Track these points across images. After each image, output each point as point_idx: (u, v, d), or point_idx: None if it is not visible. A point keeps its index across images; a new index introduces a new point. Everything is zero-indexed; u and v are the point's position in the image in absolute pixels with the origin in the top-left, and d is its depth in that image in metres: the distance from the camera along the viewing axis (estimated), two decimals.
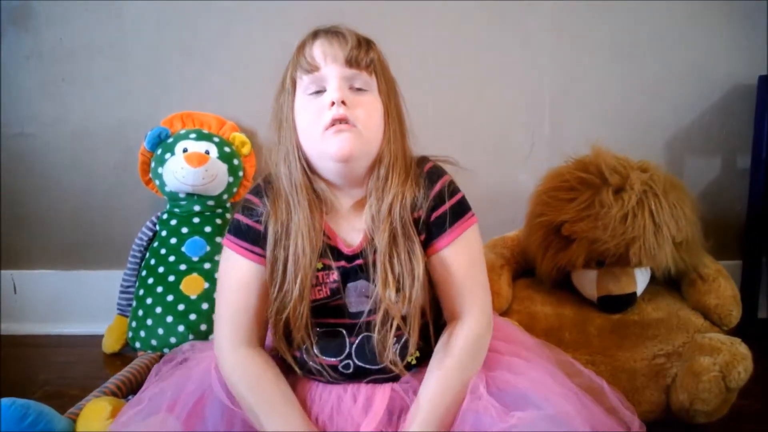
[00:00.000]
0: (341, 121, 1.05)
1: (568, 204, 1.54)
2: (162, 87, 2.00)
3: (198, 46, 1.97)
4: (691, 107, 2.00)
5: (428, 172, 1.14)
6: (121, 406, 1.32)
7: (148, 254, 1.88)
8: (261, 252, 1.11)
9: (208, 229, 1.86)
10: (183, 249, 1.83)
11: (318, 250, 1.08)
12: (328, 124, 1.05)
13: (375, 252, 1.09)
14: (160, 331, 1.74)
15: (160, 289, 1.78)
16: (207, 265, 1.81)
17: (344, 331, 1.12)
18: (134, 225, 1.94)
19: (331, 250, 1.11)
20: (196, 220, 1.86)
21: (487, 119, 2.02)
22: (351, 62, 1.08)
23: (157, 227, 1.90)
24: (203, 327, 1.73)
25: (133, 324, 1.81)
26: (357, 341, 1.11)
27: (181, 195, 1.87)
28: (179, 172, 1.82)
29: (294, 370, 1.14)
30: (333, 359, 1.11)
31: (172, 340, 1.73)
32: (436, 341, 1.12)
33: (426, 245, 1.11)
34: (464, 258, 1.12)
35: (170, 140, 1.88)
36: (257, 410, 1.04)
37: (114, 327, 1.89)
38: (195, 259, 1.82)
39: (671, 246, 1.51)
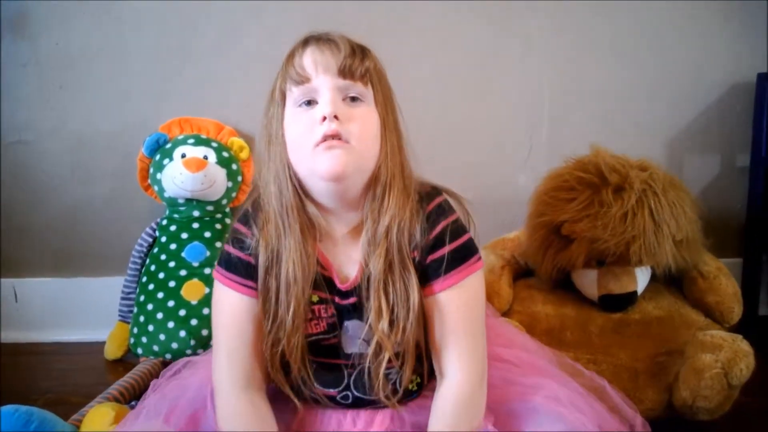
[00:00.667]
0: (333, 137, 0.96)
1: (568, 204, 1.54)
2: (160, 93, 1.99)
3: (196, 51, 1.97)
4: (689, 106, 2.00)
5: (432, 209, 1.05)
6: (124, 411, 1.32)
7: (148, 260, 1.88)
8: (253, 285, 1.04)
9: (207, 234, 1.86)
10: (183, 254, 1.83)
11: (311, 278, 1.02)
12: (319, 140, 0.96)
13: (369, 286, 1.02)
14: (162, 336, 1.74)
15: (160, 295, 1.78)
16: (207, 271, 1.81)
17: (341, 364, 1.08)
18: (134, 231, 1.94)
19: (326, 281, 1.04)
20: (195, 225, 1.86)
21: (486, 120, 2.02)
22: (344, 72, 0.99)
23: (157, 233, 1.90)
24: (204, 332, 1.73)
25: (135, 330, 1.81)
26: (355, 373, 1.07)
27: (180, 200, 1.87)
28: (178, 177, 1.82)
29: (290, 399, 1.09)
30: (331, 390, 1.09)
31: (174, 345, 1.73)
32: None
33: (421, 285, 1.03)
34: (460, 307, 1.04)
35: (168, 146, 1.88)
36: None
37: (115, 333, 1.89)
38: (195, 264, 1.82)
39: (671, 244, 1.51)
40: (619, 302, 1.57)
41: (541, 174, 1.69)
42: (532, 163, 2.01)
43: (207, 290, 1.78)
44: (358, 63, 1.00)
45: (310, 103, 1.00)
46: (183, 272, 1.80)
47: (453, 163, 1.94)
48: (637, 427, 1.15)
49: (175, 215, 1.88)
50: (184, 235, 1.85)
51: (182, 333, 1.73)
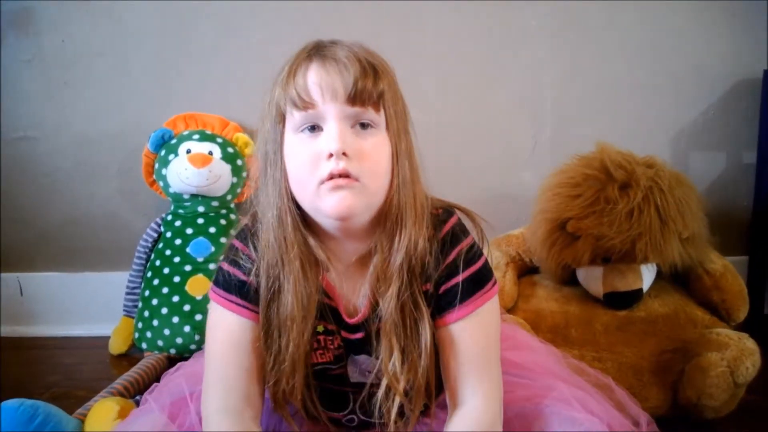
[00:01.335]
0: (341, 175, 0.87)
1: (574, 201, 1.54)
2: (165, 88, 1.99)
3: (200, 47, 1.97)
4: (696, 102, 1.99)
5: (445, 236, 0.98)
6: (128, 406, 1.33)
7: (153, 255, 1.88)
8: (253, 308, 0.97)
9: (212, 229, 1.86)
10: (188, 250, 1.83)
11: (311, 316, 0.95)
12: (325, 178, 0.87)
13: (379, 321, 0.96)
14: (167, 331, 1.74)
15: (165, 290, 1.78)
16: (212, 266, 1.81)
17: (348, 391, 1.06)
18: (139, 226, 1.94)
19: (332, 312, 0.99)
20: (200, 221, 1.86)
21: (490, 118, 2.02)
22: (354, 99, 0.88)
23: (162, 228, 1.90)
24: None
25: (140, 325, 1.81)
26: (360, 397, 1.03)
27: (185, 196, 1.87)
28: (183, 173, 1.82)
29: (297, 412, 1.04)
30: (336, 414, 1.07)
31: (179, 340, 1.73)
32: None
33: (434, 316, 0.98)
34: (475, 337, 0.98)
35: (174, 141, 1.88)
36: None
37: (120, 328, 1.89)
38: (200, 259, 1.82)
39: (677, 242, 1.51)
40: (624, 300, 1.56)
41: (546, 170, 1.68)
42: (537, 159, 2.00)
43: None
44: (370, 86, 0.89)
45: (313, 128, 0.90)
46: (188, 267, 1.81)
47: (457, 160, 1.94)
48: (642, 425, 1.15)
49: (180, 210, 1.88)
50: (189, 231, 1.85)
51: (187, 328, 1.73)
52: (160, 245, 1.87)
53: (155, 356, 1.72)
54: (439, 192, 1.04)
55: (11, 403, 1.23)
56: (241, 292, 0.98)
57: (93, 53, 1.97)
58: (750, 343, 1.35)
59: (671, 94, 1.99)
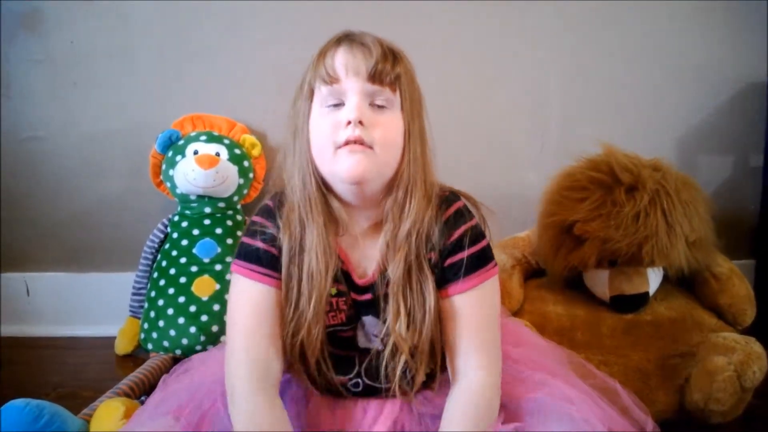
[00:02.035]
0: (356, 141, 0.98)
1: (580, 203, 1.54)
2: (172, 90, 2.00)
3: (208, 48, 1.98)
4: (702, 106, 1.99)
5: (452, 214, 1.07)
6: (134, 406, 1.33)
7: (159, 256, 1.88)
8: (275, 274, 1.05)
9: (219, 230, 1.86)
10: (194, 251, 1.83)
11: (333, 271, 1.03)
12: (342, 143, 0.98)
13: (387, 285, 1.04)
14: (172, 332, 1.74)
15: (171, 291, 1.79)
16: (218, 267, 1.81)
17: (355, 356, 1.11)
18: (145, 227, 1.94)
19: (344, 275, 1.07)
20: (207, 221, 1.87)
21: (496, 120, 2.02)
22: (374, 77, 1.00)
23: (169, 229, 1.90)
24: (215, 328, 1.74)
25: (145, 326, 1.81)
26: (366, 361, 1.10)
27: (192, 197, 1.87)
28: (190, 174, 1.82)
29: (305, 386, 1.12)
30: (342, 377, 1.11)
31: (184, 341, 1.73)
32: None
33: (438, 287, 1.06)
34: (476, 311, 1.06)
35: (181, 142, 1.88)
36: None
37: (126, 329, 1.90)
38: (206, 260, 1.82)
39: (684, 245, 1.50)
40: (630, 303, 1.56)
41: (552, 173, 1.68)
42: (543, 161, 2.00)
43: (217, 286, 1.78)
44: (388, 69, 1.01)
45: (337, 105, 1.01)
46: (194, 268, 1.81)
47: (463, 161, 1.93)
48: (648, 429, 1.14)
49: (187, 211, 1.89)
50: (196, 232, 1.85)
51: (192, 329, 1.74)
52: (167, 246, 1.87)
53: (161, 357, 1.72)
54: None
55: (17, 402, 1.23)
56: (260, 260, 1.05)
57: (101, 53, 1.98)
58: (757, 347, 1.34)
59: (678, 97, 1.99)
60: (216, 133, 1.91)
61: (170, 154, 1.87)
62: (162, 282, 1.81)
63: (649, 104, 2.00)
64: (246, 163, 1.91)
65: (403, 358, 1.03)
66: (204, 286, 1.78)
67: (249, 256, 1.06)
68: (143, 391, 1.54)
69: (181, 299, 1.77)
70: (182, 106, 1.97)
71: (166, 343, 1.75)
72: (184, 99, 1.99)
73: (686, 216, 1.50)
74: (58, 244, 2.08)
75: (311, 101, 1.04)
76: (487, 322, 1.06)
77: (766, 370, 1.32)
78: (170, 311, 1.76)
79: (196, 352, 1.70)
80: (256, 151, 1.93)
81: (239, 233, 1.88)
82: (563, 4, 1.94)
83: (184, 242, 1.84)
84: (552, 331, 1.54)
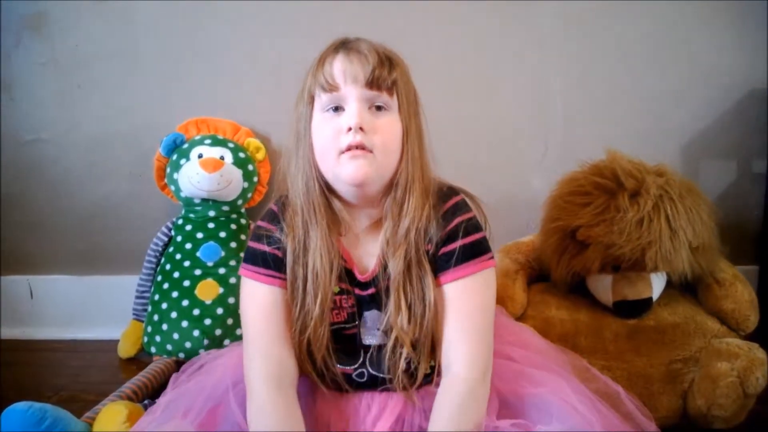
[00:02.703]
0: (358, 147, 1.02)
1: (584, 208, 1.53)
2: (177, 93, 2.00)
3: (212, 52, 1.98)
4: (706, 111, 1.99)
5: (449, 208, 1.10)
6: (137, 410, 1.33)
7: (163, 259, 1.89)
8: (281, 276, 1.09)
9: (223, 234, 1.86)
10: (198, 254, 1.83)
11: (336, 270, 1.07)
12: (343, 149, 1.02)
13: (388, 279, 1.08)
14: (176, 335, 1.75)
15: (175, 294, 1.79)
16: (222, 270, 1.81)
17: (360, 351, 1.14)
18: (150, 230, 1.94)
19: (347, 273, 1.10)
20: (211, 225, 1.87)
21: (500, 123, 2.02)
22: (371, 84, 1.04)
23: (173, 232, 1.90)
24: (218, 332, 1.74)
25: (149, 329, 1.81)
26: (370, 353, 1.13)
27: (196, 200, 1.88)
28: (194, 177, 1.83)
29: (311, 382, 1.13)
30: (347, 368, 1.13)
31: (188, 344, 1.74)
32: None
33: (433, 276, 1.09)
34: (466, 301, 1.08)
35: (185, 146, 1.88)
36: None
37: (129, 332, 1.90)
38: (210, 264, 1.82)
39: (687, 251, 1.50)
40: (634, 308, 1.55)
41: (556, 178, 1.68)
42: (547, 166, 2.00)
43: (221, 290, 1.78)
44: (385, 74, 1.04)
45: (337, 109, 1.05)
46: (198, 272, 1.81)
47: (467, 166, 1.92)
48: None
49: (191, 215, 1.89)
50: (200, 235, 1.86)
51: (196, 332, 1.74)
52: (171, 249, 1.88)
53: (164, 360, 1.73)
54: None
55: (20, 406, 1.24)
56: (267, 263, 1.09)
57: (105, 56, 1.99)
58: (760, 353, 1.34)
59: (682, 103, 1.99)
60: (220, 137, 1.92)
61: (175, 157, 1.88)
62: (166, 285, 1.81)
63: (653, 110, 1.99)
64: (250, 167, 1.91)
65: (404, 352, 1.06)
66: (208, 290, 1.78)
67: (256, 259, 1.10)
68: (146, 394, 1.54)
69: (185, 302, 1.77)
70: (187, 109, 1.97)
71: (169, 347, 1.76)
72: (189, 102, 2.00)
73: (690, 221, 1.49)
74: (61, 247, 2.08)
75: (312, 107, 1.08)
76: (477, 314, 1.08)
77: None
78: (174, 314, 1.76)
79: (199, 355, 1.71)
80: (260, 155, 1.94)
81: (243, 237, 1.88)
82: (567, 8, 1.94)
83: (188, 246, 1.85)
84: (555, 336, 1.53)
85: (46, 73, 2.00)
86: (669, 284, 1.61)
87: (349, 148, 1.02)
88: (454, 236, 1.07)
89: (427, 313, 1.06)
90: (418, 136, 1.10)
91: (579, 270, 1.57)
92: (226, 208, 1.89)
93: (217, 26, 1.97)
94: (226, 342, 1.71)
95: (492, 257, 1.10)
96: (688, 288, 1.64)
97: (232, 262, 1.82)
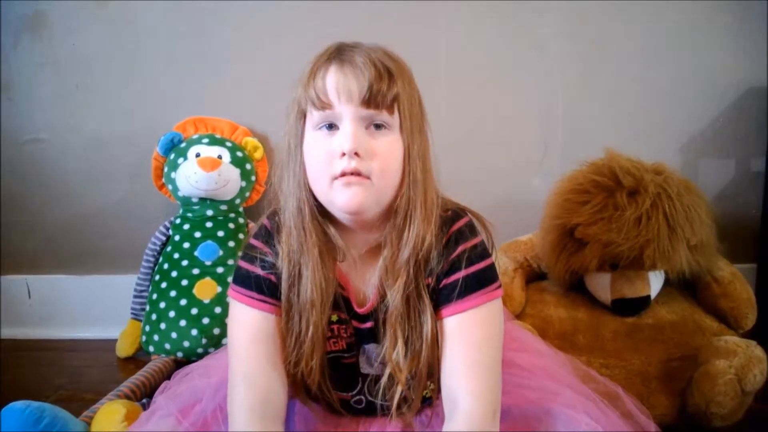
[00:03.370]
0: (353, 173, 0.92)
1: (582, 207, 1.54)
2: (175, 92, 2.00)
3: (210, 52, 1.98)
4: (705, 109, 1.99)
5: (452, 234, 1.01)
6: (135, 409, 1.33)
7: (161, 259, 1.88)
8: (274, 302, 1.02)
9: (221, 233, 1.86)
10: (196, 253, 1.83)
11: (329, 302, 1.00)
12: (337, 175, 0.93)
13: (386, 311, 1.00)
14: (174, 335, 1.74)
15: (173, 294, 1.79)
16: (220, 270, 1.81)
17: (358, 379, 1.09)
18: (147, 230, 1.94)
19: (344, 301, 1.03)
20: (209, 224, 1.87)
21: (501, 123, 2.02)
22: (368, 102, 0.93)
23: (171, 232, 1.90)
24: (216, 331, 1.74)
25: (147, 328, 1.81)
26: (368, 381, 1.08)
27: (194, 200, 1.87)
28: (192, 176, 1.83)
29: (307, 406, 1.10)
30: (345, 394, 1.09)
31: (186, 344, 1.73)
32: None
33: (435, 308, 1.01)
34: (471, 335, 0.99)
35: (183, 145, 1.88)
36: None
37: (128, 331, 1.90)
38: (208, 263, 1.82)
39: (686, 249, 1.50)
40: (632, 306, 1.56)
41: (556, 177, 1.68)
42: (547, 166, 2.00)
43: (219, 289, 1.78)
44: (384, 90, 0.93)
45: (331, 126, 0.96)
46: (196, 271, 1.81)
47: (467, 166, 1.93)
48: None
49: (189, 214, 1.89)
50: (198, 234, 1.85)
51: (194, 332, 1.74)
52: (169, 248, 1.88)
53: (162, 360, 1.73)
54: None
55: (18, 405, 1.23)
56: (259, 287, 1.02)
57: (104, 57, 1.99)
58: (758, 351, 1.34)
59: (681, 102, 1.99)
60: (218, 136, 1.92)
61: (172, 156, 1.87)
62: (164, 284, 1.81)
63: (652, 109, 1.99)
64: (248, 166, 1.91)
65: (399, 388, 1.00)
66: (206, 289, 1.78)
67: (247, 282, 1.03)
68: (144, 393, 1.54)
69: (183, 302, 1.77)
70: (185, 109, 1.97)
71: (167, 346, 1.75)
72: (187, 102, 1.99)
73: (688, 219, 1.50)
74: (59, 247, 2.08)
75: (303, 122, 0.99)
76: (481, 347, 0.99)
77: (767, 374, 1.32)
78: (172, 314, 1.76)
79: (198, 354, 1.71)
80: (258, 154, 1.93)
81: (241, 236, 1.88)
82: (568, 10, 1.94)
83: (186, 245, 1.84)
84: (553, 335, 1.54)
85: (45, 73, 2.00)
86: (667, 282, 1.62)
87: (343, 174, 0.93)
88: (457, 266, 0.99)
89: (424, 348, 0.98)
90: (422, 156, 0.99)
91: (577, 268, 1.58)
92: (224, 207, 1.89)
93: (216, 26, 1.97)
94: (224, 341, 1.71)
95: (499, 286, 1.02)
96: (686, 286, 1.64)
97: (230, 261, 1.82)
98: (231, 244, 1.85)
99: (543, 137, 2.02)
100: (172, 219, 1.92)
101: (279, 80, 1.14)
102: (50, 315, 2.07)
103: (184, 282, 1.79)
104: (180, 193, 1.87)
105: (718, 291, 1.59)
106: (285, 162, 1.02)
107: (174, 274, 1.82)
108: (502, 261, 1.73)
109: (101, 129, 2.02)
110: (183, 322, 1.75)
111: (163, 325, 1.76)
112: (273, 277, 1.02)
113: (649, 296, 1.56)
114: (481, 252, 1.02)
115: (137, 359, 1.86)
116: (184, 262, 1.82)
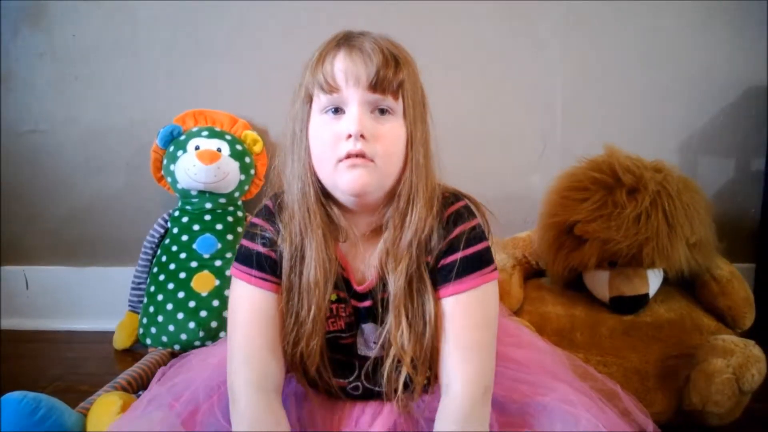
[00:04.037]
0: (358, 155, 0.95)
1: (581, 204, 1.54)
2: (174, 85, 2.00)
3: (210, 44, 1.98)
4: (704, 108, 1.99)
5: (450, 215, 1.04)
6: (131, 401, 1.32)
7: (159, 251, 1.88)
8: (275, 279, 1.03)
9: (219, 226, 1.86)
10: (194, 246, 1.83)
11: (332, 282, 1.01)
12: (342, 157, 0.95)
13: (385, 292, 1.02)
14: (171, 327, 1.74)
15: (171, 286, 1.78)
16: (218, 263, 1.81)
17: (355, 362, 1.09)
18: (146, 222, 1.94)
19: (344, 281, 1.05)
20: (207, 217, 1.86)
21: (500, 120, 2.01)
22: (375, 87, 0.96)
23: (169, 224, 1.90)
24: (214, 324, 1.74)
25: (144, 320, 1.81)
26: (365, 366, 1.08)
27: (193, 192, 1.87)
28: (191, 169, 1.82)
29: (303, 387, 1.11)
30: (342, 380, 1.09)
31: (183, 336, 1.73)
32: None
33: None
34: (467, 316, 1.01)
35: (182, 138, 1.88)
36: None
37: (125, 323, 1.90)
38: (206, 256, 1.82)
39: (684, 247, 1.50)
40: (630, 304, 1.56)
41: (555, 174, 1.68)
42: (546, 162, 2.00)
43: (217, 282, 1.78)
44: (390, 76, 0.96)
45: (337, 110, 0.98)
46: (194, 264, 1.81)
47: (466, 162, 1.91)
48: (648, 431, 1.14)
49: (188, 207, 1.88)
50: (196, 227, 1.85)
51: (191, 324, 1.73)
52: (167, 241, 1.87)
53: (159, 352, 1.72)
54: None
55: (14, 395, 1.23)
56: (260, 265, 1.03)
57: (103, 48, 1.98)
58: (756, 351, 1.34)
59: (681, 100, 1.99)
60: (218, 129, 1.91)
61: (171, 149, 1.87)
62: (161, 277, 1.81)
63: (652, 107, 1.99)
64: (247, 160, 1.91)
65: (404, 371, 1.01)
66: (203, 282, 1.78)
67: (248, 260, 1.04)
68: (141, 385, 1.54)
69: (181, 294, 1.77)
70: (184, 101, 1.97)
71: (164, 338, 1.75)
72: (186, 94, 1.99)
73: (687, 218, 1.50)
74: (58, 238, 2.08)
75: (310, 106, 1.01)
76: (478, 330, 1.02)
77: (765, 373, 1.31)
78: (169, 306, 1.76)
79: (195, 347, 1.70)
80: (257, 148, 1.93)
81: (240, 229, 1.88)
82: (568, 5, 1.94)
83: (185, 238, 1.84)
84: (551, 332, 1.54)
85: (44, 64, 2.00)
86: (666, 281, 1.61)
87: (348, 156, 0.95)
88: (455, 247, 1.01)
89: (428, 330, 1.00)
90: (424, 143, 1.02)
91: (576, 265, 1.58)
92: (222, 200, 1.89)
93: (216, 19, 1.96)
94: (222, 334, 1.71)
95: (495, 269, 1.04)
96: (684, 285, 1.64)
97: (228, 254, 1.82)
98: (229, 237, 1.85)
99: (542, 133, 2.02)
100: (170, 211, 1.91)
101: (280, 73, 1.15)
102: (48, 306, 2.07)
103: (182, 275, 1.79)
104: (179, 186, 1.87)
105: (717, 290, 1.59)
106: (289, 147, 1.04)
107: (172, 266, 1.81)
108: (501, 257, 1.72)
109: (101, 120, 2.02)
110: (180, 315, 1.74)
111: (160, 318, 1.76)
112: (274, 255, 1.04)
113: (647, 294, 1.56)
114: (479, 234, 1.04)
115: (134, 351, 1.86)
116: (182, 255, 1.82)
